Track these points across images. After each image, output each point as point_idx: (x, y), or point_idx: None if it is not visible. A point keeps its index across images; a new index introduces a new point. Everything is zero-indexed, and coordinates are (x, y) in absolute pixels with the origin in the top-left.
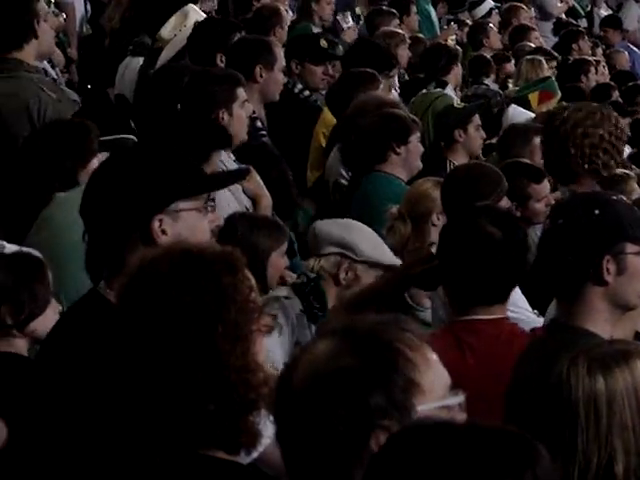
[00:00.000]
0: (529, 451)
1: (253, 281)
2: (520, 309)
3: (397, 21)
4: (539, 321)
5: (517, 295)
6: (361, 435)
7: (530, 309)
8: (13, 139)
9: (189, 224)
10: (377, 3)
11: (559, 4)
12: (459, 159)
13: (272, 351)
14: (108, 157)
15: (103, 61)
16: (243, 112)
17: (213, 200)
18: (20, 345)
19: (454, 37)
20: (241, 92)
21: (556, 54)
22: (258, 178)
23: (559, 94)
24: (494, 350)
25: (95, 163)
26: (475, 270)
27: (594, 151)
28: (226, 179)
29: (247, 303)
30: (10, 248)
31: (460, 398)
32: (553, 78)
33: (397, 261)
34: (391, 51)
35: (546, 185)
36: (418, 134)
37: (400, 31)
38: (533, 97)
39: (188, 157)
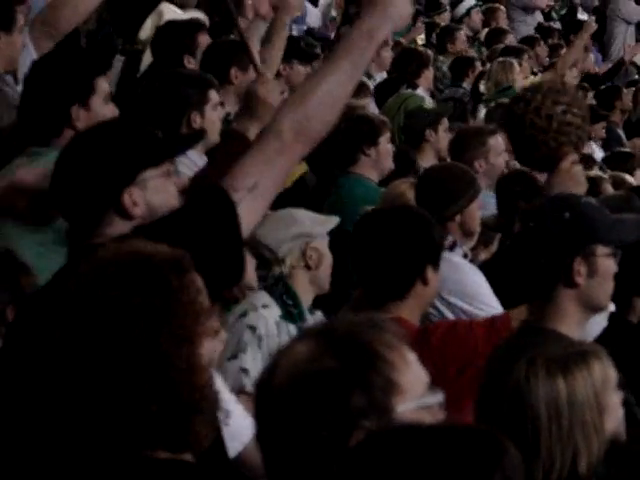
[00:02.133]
0: (498, 450)
1: (201, 284)
2: (489, 307)
3: None
4: None
5: (487, 292)
6: (342, 436)
7: (500, 307)
8: None
9: (158, 191)
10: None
11: None
12: (427, 160)
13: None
14: (70, 141)
15: None
16: (215, 115)
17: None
18: None
19: (422, 37)
20: (214, 95)
21: (526, 47)
22: None
23: None
24: None
25: None
26: (367, 268)
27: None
28: (187, 142)
29: (194, 305)
30: None
31: (439, 397)
32: (514, 88)
33: (335, 218)
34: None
35: None
36: (388, 135)
37: None
38: None
39: (145, 125)
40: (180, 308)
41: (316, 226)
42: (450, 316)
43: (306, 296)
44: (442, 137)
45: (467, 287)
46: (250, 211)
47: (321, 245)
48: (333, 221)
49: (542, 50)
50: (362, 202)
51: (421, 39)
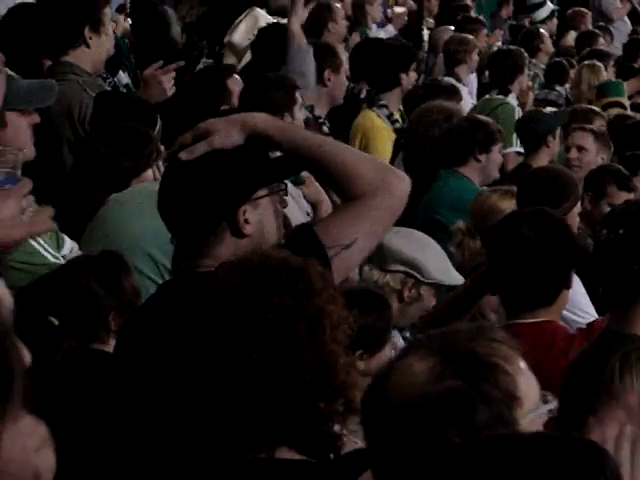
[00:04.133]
0: (599, 457)
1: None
2: (586, 314)
3: (485, 30)
4: None
5: (584, 300)
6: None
7: (596, 315)
8: (58, 139)
9: (266, 211)
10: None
11: (619, 5)
12: (541, 163)
13: None
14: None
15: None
16: (301, 115)
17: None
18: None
19: (499, 43)
20: (298, 96)
21: (612, 52)
22: (317, 184)
23: (621, 96)
24: (532, 353)
25: (150, 174)
26: (515, 274)
27: None
28: (298, 165)
29: (338, 305)
30: (76, 249)
31: (554, 403)
32: (623, 84)
33: (460, 280)
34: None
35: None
36: (501, 145)
37: (470, 37)
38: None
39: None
40: (335, 309)
41: (437, 273)
42: None
43: None
44: (556, 143)
45: None
46: (344, 265)
47: (426, 292)
48: (455, 280)
49: None
50: (459, 199)
51: (497, 44)
